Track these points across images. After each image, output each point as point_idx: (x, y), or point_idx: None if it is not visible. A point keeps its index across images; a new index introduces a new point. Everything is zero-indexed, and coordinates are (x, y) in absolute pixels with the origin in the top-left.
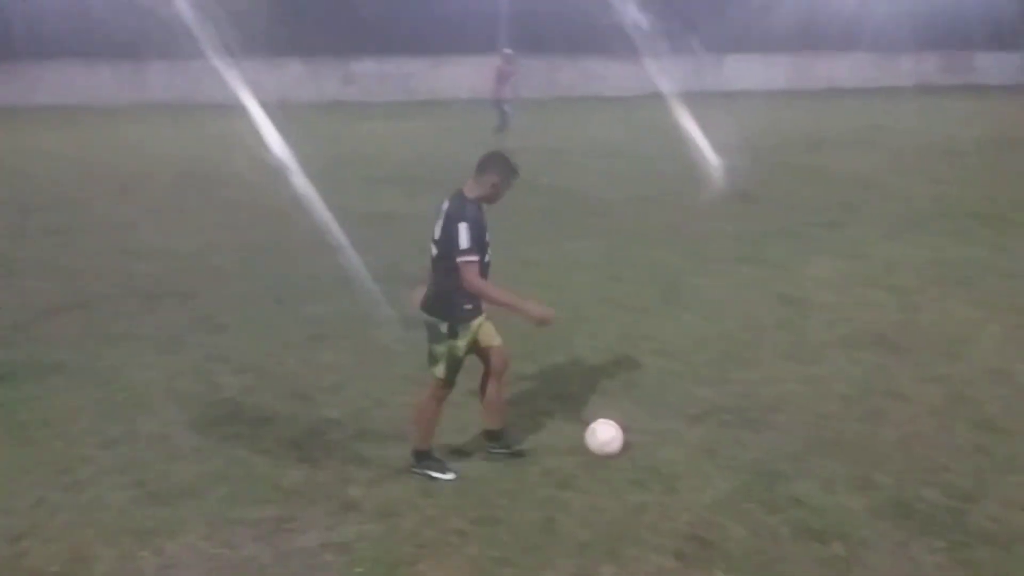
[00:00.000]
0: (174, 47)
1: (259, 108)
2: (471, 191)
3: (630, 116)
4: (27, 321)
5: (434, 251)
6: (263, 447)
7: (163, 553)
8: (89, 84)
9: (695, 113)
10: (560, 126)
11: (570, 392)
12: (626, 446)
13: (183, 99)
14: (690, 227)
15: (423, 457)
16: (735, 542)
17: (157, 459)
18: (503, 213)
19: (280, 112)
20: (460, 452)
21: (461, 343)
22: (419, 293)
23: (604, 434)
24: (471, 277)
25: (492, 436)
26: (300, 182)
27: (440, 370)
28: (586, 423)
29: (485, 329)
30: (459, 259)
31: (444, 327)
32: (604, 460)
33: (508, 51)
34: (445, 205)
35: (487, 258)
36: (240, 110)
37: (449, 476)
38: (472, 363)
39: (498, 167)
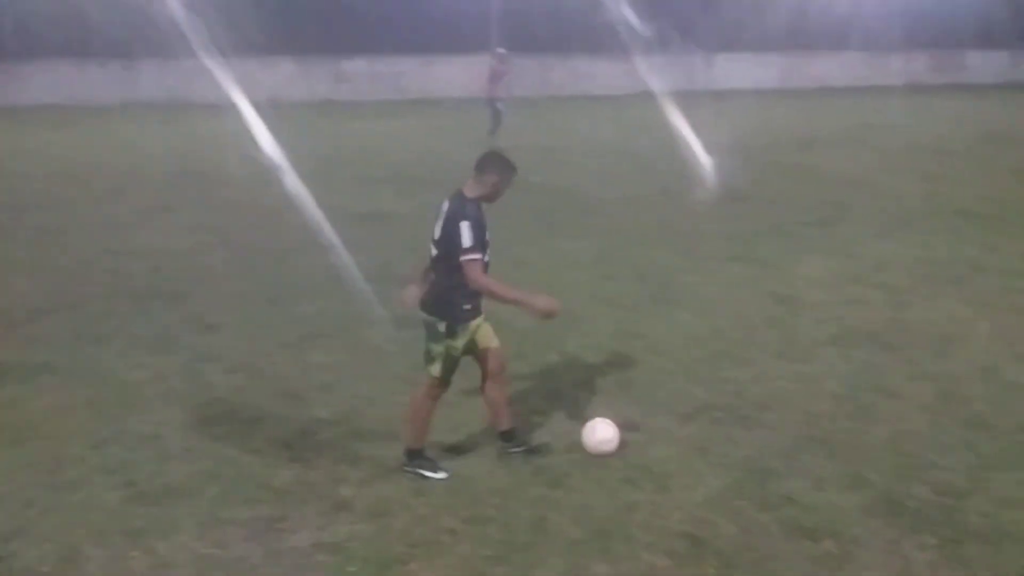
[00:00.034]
0: (165, 46)
1: (250, 107)
2: (471, 191)
3: (621, 115)
4: (17, 321)
5: (434, 252)
6: (254, 447)
7: (154, 553)
8: (79, 83)
9: (686, 112)
10: (552, 125)
11: (563, 391)
12: (621, 446)
13: (174, 98)
14: (682, 226)
15: (415, 456)
16: (727, 540)
17: (148, 459)
18: (495, 212)
19: (272, 111)
20: (453, 450)
21: (458, 343)
22: (410, 293)
23: (603, 433)
24: (475, 275)
25: (506, 437)
26: (292, 181)
27: (436, 369)
28: (579, 421)
29: (483, 331)
30: (462, 258)
31: (442, 327)
32: (596, 458)
33: (501, 50)
34: (445, 205)
35: (486, 257)
36: (231, 109)
37: (440, 475)
38: (467, 363)
39: (497, 166)
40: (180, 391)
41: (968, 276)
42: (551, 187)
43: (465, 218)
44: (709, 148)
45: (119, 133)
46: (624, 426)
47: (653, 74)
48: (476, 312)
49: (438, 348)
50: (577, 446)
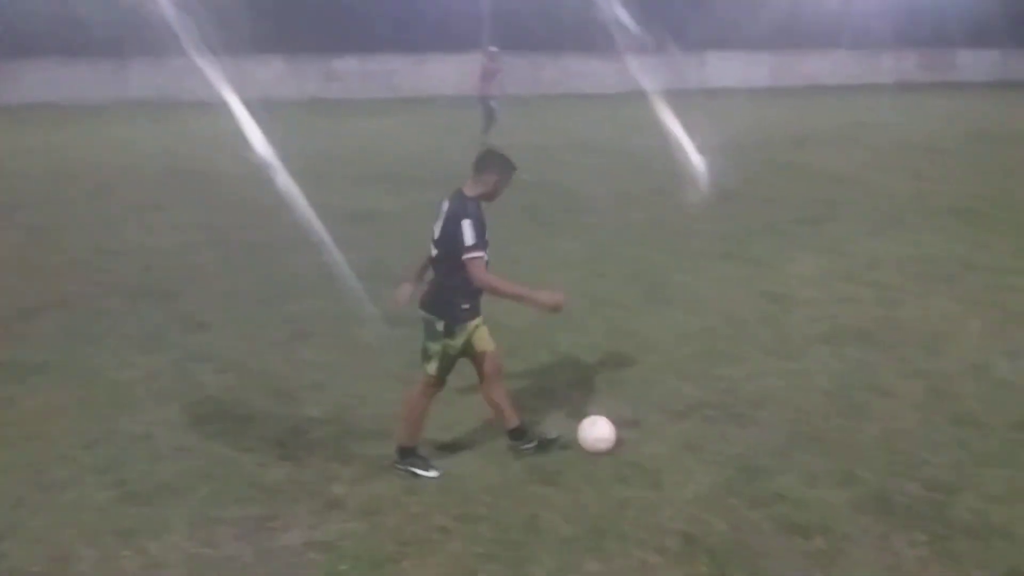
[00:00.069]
0: (155, 44)
1: (241, 106)
2: (471, 190)
3: (613, 114)
4: (6, 320)
5: (434, 252)
6: (245, 446)
7: (145, 552)
8: (69, 82)
9: (678, 111)
10: (543, 124)
11: (554, 389)
12: (615, 444)
13: (164, 97)
14: (674, 224)
15: (407, 454)
16: (718, 537)
17: (139, 458)
18: (487, 211)
19: (262, 110)
20: (446, 448)
21: (456, 342)
22: (404, 291)
23: (602, 431)
24: (478, 273)
25: (515, 435)
26: (283, 180)
27: (432, 367)
28: (572, 420)
29: (480, 333)
30: (465, 256)
31: (440, 325)
32: (589, 455)
33: (493, 48)
34: (445, 205)
35: (486, 256)
36: (222, 107)
37: (432, 474)
38: (463, 363)
39: (496, 164)
40: (171, 390)
41: (959, 274)
42: (543, 186)
43: (467, 216)
44: (701, 147)
45: (110, 131)
46: (624, 423)
47: (644, 73)
48: (475, 312)
49: (435, 347)
50: (569, 444)
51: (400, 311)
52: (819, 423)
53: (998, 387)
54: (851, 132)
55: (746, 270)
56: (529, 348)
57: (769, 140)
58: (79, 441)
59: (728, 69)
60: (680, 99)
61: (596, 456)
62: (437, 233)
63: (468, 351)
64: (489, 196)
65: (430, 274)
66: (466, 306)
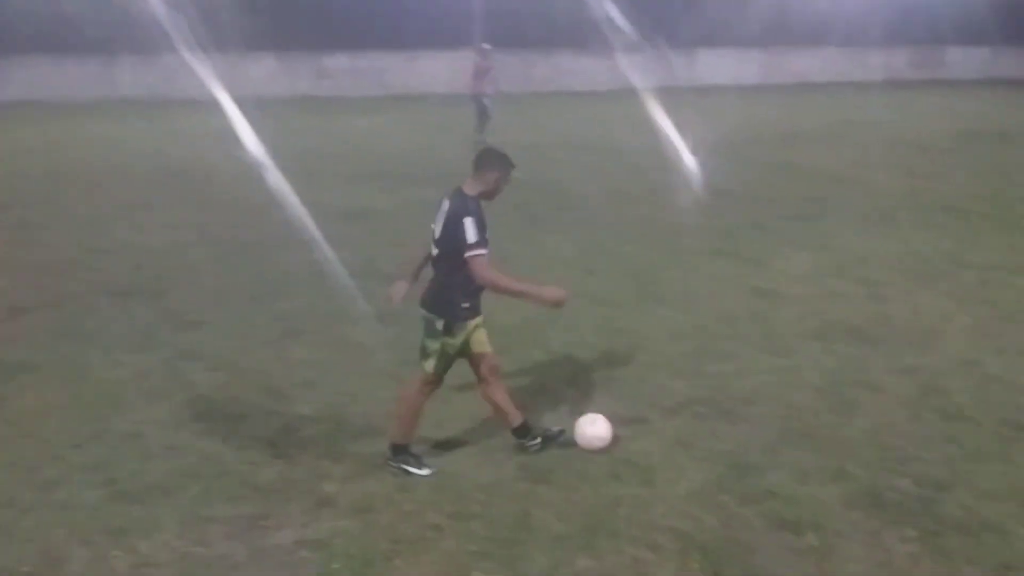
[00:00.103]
0: (144, 42)
1: (231, 103)
2: (471, 188)
3: (604, 111)
4: None
5: (435, 251)
6: (237, 444)
7: (136, 552)
8: (58, 80)
9: (668, 108)
10: (534, 121)
11: (546, 386)
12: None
13: (154, 95)
14: (664, 221)
15: (400, 451)
16: (710, 533)
17: (129, 457)
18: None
19: (253, 108)
20: (439, 446)
21: (455, 341)
22: (398, 289)
23: (600, 429)
24: (481, 270)
25: (520, 433)
26: (274, 178)
27: (430, 365)
28: (564, 417)
29: (478, 335)
30: (468, 254)
31: (440, 324)
32: (581, 453)
33: (486, 46)
34: (445, 204)
35: (488, 254)
36: (212, 105)
37: (425, 472)
38: (459, 361)
39: (496, 162)
40: (162, 389)
41: (949, 271)
42: (534, 183)
43: (468, 215)
44: (691, 144)
45: (99, 130)
46: (616, 420)
47: (635, 70)
48: (475, 312)
49: (434, 345)
50: (571, 440)
51: (392, 309)
52: (810, 419)
53: (988, 383)
54: (841, 129)
55: (737, 267)
56: (521, 346)
57: (759, 137)
58: (69, 440)
59: (719, 67)
60: (671, 97)
61: (589, 453)
62: (438, 232)
63: (465, 351)
64: (489, 194)
65: (426, 272)
66: (466, 305)
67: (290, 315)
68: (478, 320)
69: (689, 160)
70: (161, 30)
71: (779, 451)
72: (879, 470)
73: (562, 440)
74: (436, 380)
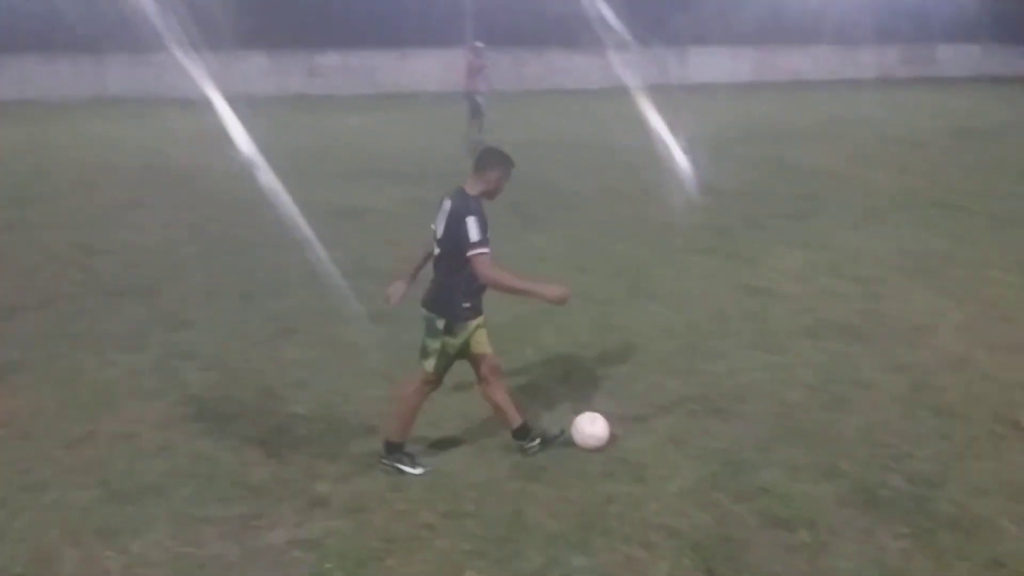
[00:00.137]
0: (134, 40)
1: (222, 102)
2: (472, 187)
3: (596, 109)
4: None
5: (437, 250)
6: (229, 444)
7: (129, 552)
8: (48, 78)
9: (660, 106)
10: (526, 119)
11: (540, 385)
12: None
13: (144, 93)
14: (656, 219)
15: (394, 450)
16: (703, 531)
17: (121, 458)
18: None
19: (244, 106)
20: (433, 445)
21: (456, 340)
22: (396, 289)
23: (599, 430)
24: (484, 269)
25: (520, 434)
26: (265, 176)
27: (430, 364)
28: (556, 415)
29: (478, 336)
30: (470, 252)
31: (441, 323)
32: (574, 451)
33: (479, 44)
34: (447, 204)
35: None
36: (203, 104)
37: (418, 471)
38: (458, 363)
39: (497, 161)
40: (154, 389)
41: (941, 268)
42: (525, 181)
43: (470, 213)
44: (683, 142)
45: (89, 128)
46: (609, 418)
47: (627, 68)
48: (476, 312)
49: (434, 344)
50: (570, 441)
51: (385, 308)
52: (803, 417)
53: (980, 380)
54: (833, 127)
55: (729, 265)
56: (514, 344)
57: (752, 135)
58: (61, 440)
59: (711, 64)
60: (663, 95)
61: (584, 452)
62: (440, 232)
63: (466, 351)
64: (490, 194)
65: (424, 273)
66: (467, 305)
67: (282, 314)
68: (479, 320)
69: (681, 158)
70: (152, 29)
71: (772, 448)
72: (872, 467)
73: (561, 441)
74: (436, 380)
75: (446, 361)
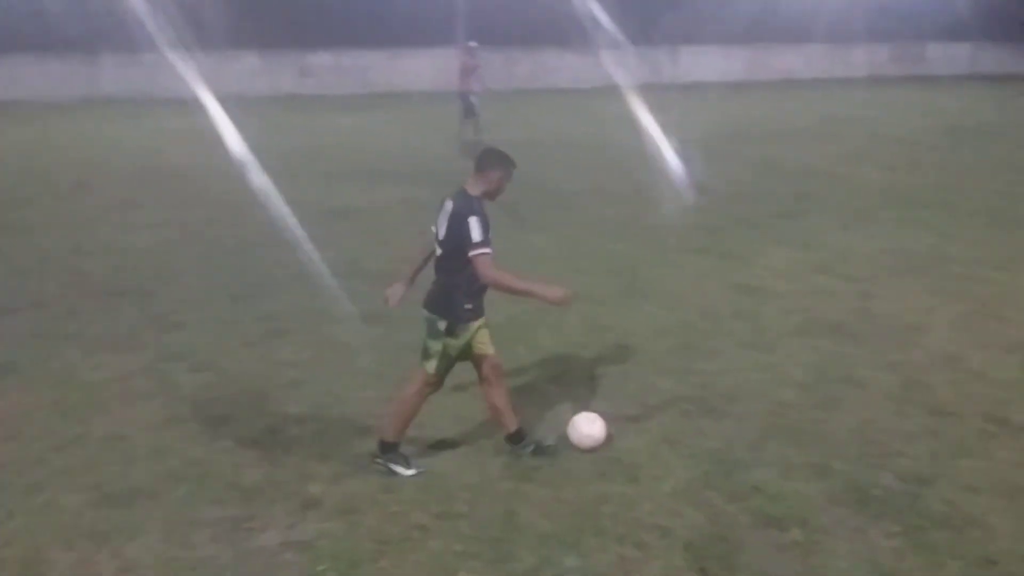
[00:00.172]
0: (126, 40)
1: (214, 102)
2: (474, 188)
3: (588, 108)
4: None
5: (439, 251)
6: (221, 446)
7: (120, 556)
8: (39, 78)
9: (652, 105)
10: (518, 119)
11: (532, 385)
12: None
13: (136, 93)
14: (648, 218)
15: (389, 449)
16: (696, 530)
17: (113, 460)
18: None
19: (236, 106)
20: (425, 446)
21: (458, 342)
22: (395, 291)
23: (597, 431)
24: (486, 269)
25: (514, 439)
26: (257, 177)
27: (431, 366)
28: (549, 414)
29: (481, 336)
30: (472, 252)
31: (442, 325)
32: (566, 452)
33: (472, 44)
34: (449, 205)
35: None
36: (195, 104)
37: (411, 472)
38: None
39: (499, 162)
40: (145, 391)
41: (932, 266)
42: (518, 181)
43: (473, 213)
44: (675, 141)
45: (81, 129)
46: (610, 418)
47: (619, 67)
48: (478, 313)
49: (436, 345)
50: (563, 452)
51: (377, 309)
52: (794, 416)
53: (971, 378)
54: (825, 126)
55: (722, 264)
56: (507, 343)
57: (744, 134)
58: (52, 443)
59: (702, 64)
60: (655, 94)
61: (577, 451)
62: (442, 233)
63: (468, 352)
64: (492, 194)
65: (425, 275)
66: (469, 306)
67: (274, 315)
68: (481, 321)
69: (673, 157)
70: (144, 29)
71: (764, 447)
72: (863, 465)
73: (555, 451)
74: (437, 381)
75: (447, 363)
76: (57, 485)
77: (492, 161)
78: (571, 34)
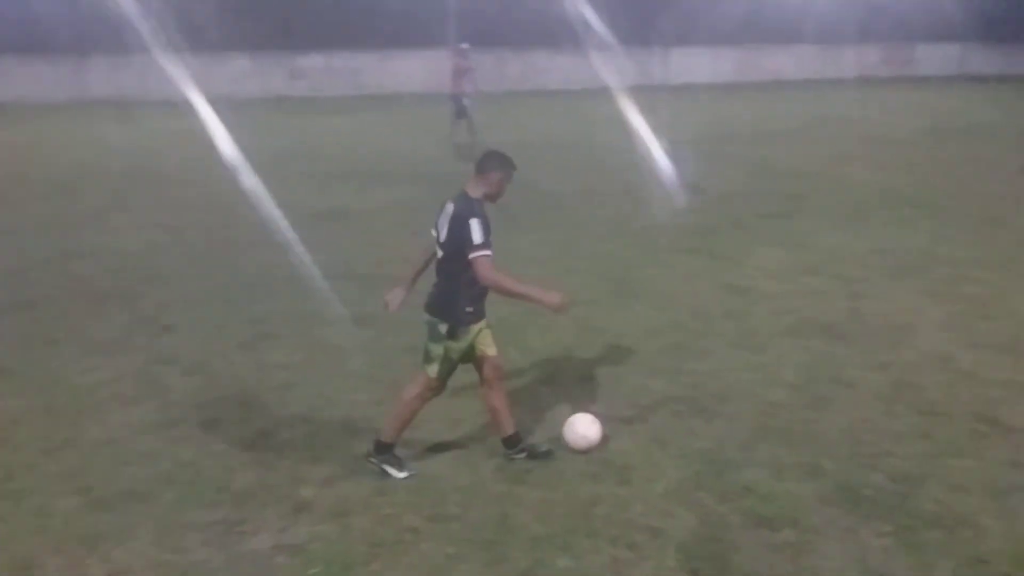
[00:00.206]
0: (116, 42)
1: (205, 104)
2: (474, 190)
3: (578, 109)
4: None
5: (440, 254)
6: (212, 449)
7: (111, 559)
8: (28, 81)
9: (643, 106)
10: (508, 120)
11: (524, 386)
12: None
13: (126, 95)
14: (639, 219)
15: (384, 450)
16: (687, 531)
17: (103, 464)
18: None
19: (227, 108)
20: (420, 448)
21: (459, 345)
22: (395, 295)
23: (593, 433)
24: (486, 271)
25: (509, 443)
26: (248, 179)
27: (433, 370)
28: (541, 415)
29: (483, 337)
30: (473, 254)
31: (444, 328)
32: (558, 453)
33: (464, 46)
34: (449, 207)
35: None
36: (185, 106)
37: (404, 474)
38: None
39: (499, 164)
40: (136, 394)
41: (922, 266)
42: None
43: (474, 216)
44: (666, 142)
45: (70, 131)
46: (602, 420)
47: (610, 68)
48: (479, 316)
49: (437, 349)
50: (557, 458)
51: (369, 312)
52: (785, 416)
53: (961, 378)
54: (815, 126)
55: (712, 264)
56: (498, 345)
57: (734, 135)
58: (42, 447)
59: (693, 65)
60: (646, 95)
61: (569, 452)
62: (443, 235)
63: (469, 356)
64: (493, 196)
65: (424, 278)
66: (470, 309)
67: (265, 318)
68: (482, 324)
69: (664, 159)
70: (133, 30)
71: (755, 448)
72: (854, 466)
73: (549, 457)
74: (439, 386)
75: (450, 366)
76: (47, 489)
77: (493, 163)
78: (562, 35)
